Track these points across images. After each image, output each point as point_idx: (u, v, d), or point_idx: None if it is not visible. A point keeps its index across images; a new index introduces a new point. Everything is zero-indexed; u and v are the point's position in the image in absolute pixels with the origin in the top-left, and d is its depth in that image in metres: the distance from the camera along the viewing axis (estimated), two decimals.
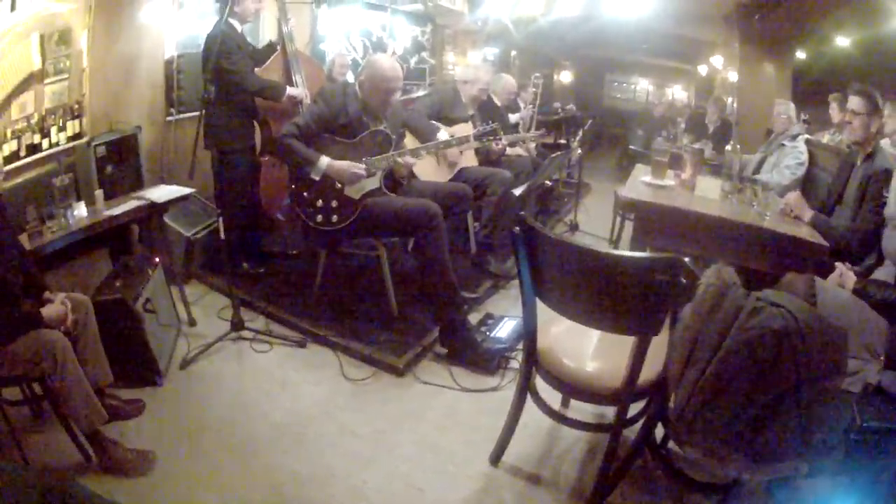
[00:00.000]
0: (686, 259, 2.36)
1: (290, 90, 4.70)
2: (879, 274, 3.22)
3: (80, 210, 3.75)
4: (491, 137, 4.53)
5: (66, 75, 4.17)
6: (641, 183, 4.45)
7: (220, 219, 3.90)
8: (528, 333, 2.79)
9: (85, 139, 4.25)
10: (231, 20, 4.22)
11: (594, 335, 2.84)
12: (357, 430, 3.25)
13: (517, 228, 2.58)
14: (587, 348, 2.84)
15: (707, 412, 2.17)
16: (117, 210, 3.91)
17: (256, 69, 4.78)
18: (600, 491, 2.75)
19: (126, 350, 3.32)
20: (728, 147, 4.57)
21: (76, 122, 4.28)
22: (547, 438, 3.27)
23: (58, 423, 2.81)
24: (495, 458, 3.04)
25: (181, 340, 3.95)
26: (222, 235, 3.91)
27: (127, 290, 3.41)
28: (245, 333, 4.04)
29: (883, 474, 2.56)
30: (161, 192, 4.25)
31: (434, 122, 5.27)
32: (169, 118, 5.20)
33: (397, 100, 4.35)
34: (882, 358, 2.67)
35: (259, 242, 5.21)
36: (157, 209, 4.14)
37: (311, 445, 3.12)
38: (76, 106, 4.28)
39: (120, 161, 4.31)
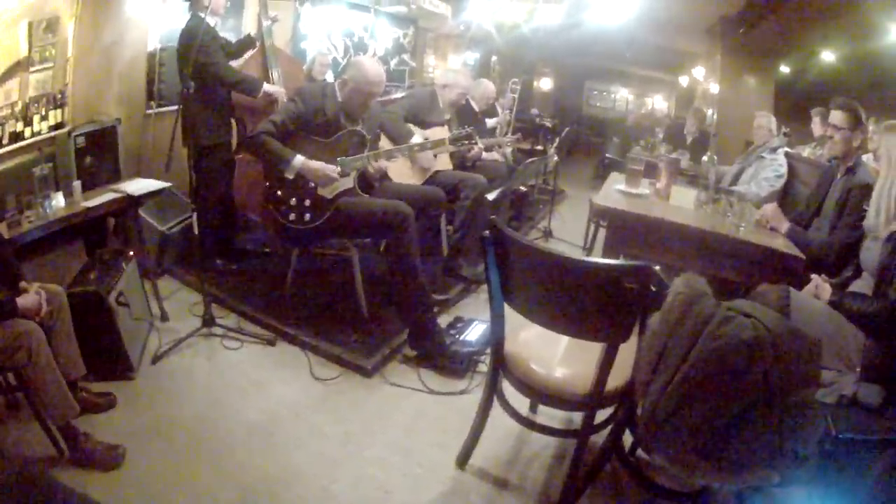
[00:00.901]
0: (657, 267, 2.36)
1: (266, 86, 4.70)
2: (856, 286, 3.21)
3: (59, 200, 3.77)
4: (466, 142, 4.53)
5: (51, 64, 4.17)
6: (615, 191, 4.45)
7: (195, 214, 3.88)
8: (496, 338, 2.80)
9: (66, 129, 4.24)
10: (203, 15, 4.20)
11: (563, 341, 2.87)
12: (326, 431, 3.25)
13: (487, 232, 2.58)
14: (555, 354, 2.84)
15: (675, 420, 2.16)
16: (94, 202, 3.93)
17: (234, 62, 4.81)
18: (567, 497, 2.75)
19: (98, 343, 3.31)
20: (704, 157, 4.56)
21: (58, 111, 4.28)
22: (515, 442, 3.28)
23: (31, 414, 2.80)
24: (462, 461, 3.05)
25: (153, 335, 3.93)
26: (196, 231, 3.89)
27: (101, 283, 3.41)
28: (216, 330, 4.03)
29: (858, 485, 2.57)
30: (137, 186, 4.26)
31: (409, 125, 5.29)
32: (149, 111, 5.21)
33: (376, 102, 4.35)
34: (858, 370, 2.73)
35: (233, 239, 5.21)
36: (133, 202, 4.14)
37: (281, 445, 3.11)
38: (59, 95, 4.28)
39: (99, 153, 4.30)
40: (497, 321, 2.75)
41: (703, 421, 2.11)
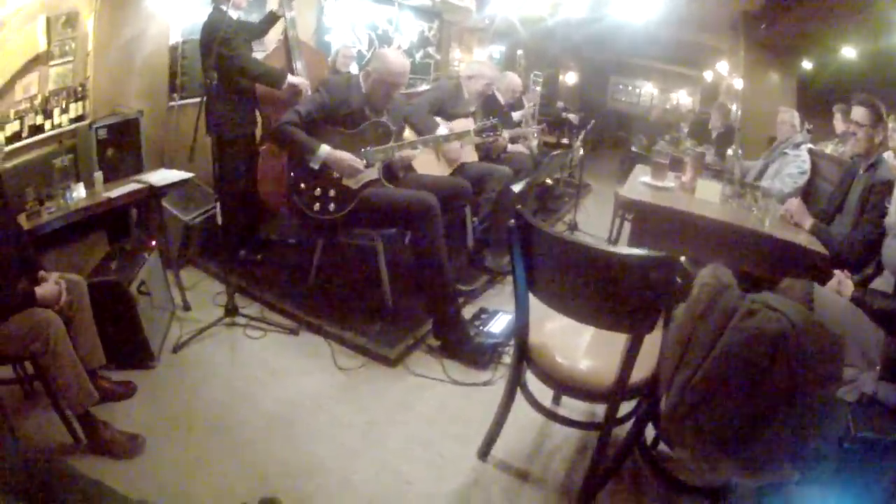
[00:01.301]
0: (682, 259, 2.36)
1: (291, 77, 4.69)
2: (877, 284, 3.16)
3: (79, 191, 3.78)
4: (491, 133, 4.52)
5: (71, 58, 4.17)
6: (641, 183, 4.44)
7: (218, 205, 3.89)
8: (520, 328, 2.80)
9: (87, 121, 4.25)
10: (226, 8, 4.22)
11: (587, 332, 2.86)
12: (347, 421, 3.26)
13: (513, 221, 2.57)
14: (580, 345, 2.84)
15: (698, 414, 2.13)
16: (116, 192, 3.93)
17: (259, 55, 4.87)
18: (588, 490, 2.77)
19: (119, 332, 3.33)
20: (729, 151, 4.53)
21: (79, 104, 4.29)
22: (537, 435, 3.29)
23: (49, 402, 2.81)
24: (484, 453, 3.07)
25: (175, 324, 3.96)
26: (220, 221, 3.90)
27: (122, 273, 3.43)
28: (239, 319, 4.05)
29: (876, 485, 2.54)
30: (160, 176, 4.27)
31: (435, 117, 5.30)
32: (171, 103, 5.21)
33: (400, 94, 4.34)
34: (878, 368, 2.65)
35: (257, 230, 5.23)
36: (155, 193, 4.15)
37: (301, 435, 3.12)
38: (80, 88, 4.29)
39: (121, 144, 4.30)
40: (522, 311, 2.75)
41: (727, 416, 2.08)
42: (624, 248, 2.43)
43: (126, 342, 3.41)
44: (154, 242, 3.96)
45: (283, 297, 4.41)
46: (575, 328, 2.73)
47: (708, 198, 4.30)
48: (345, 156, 3.96)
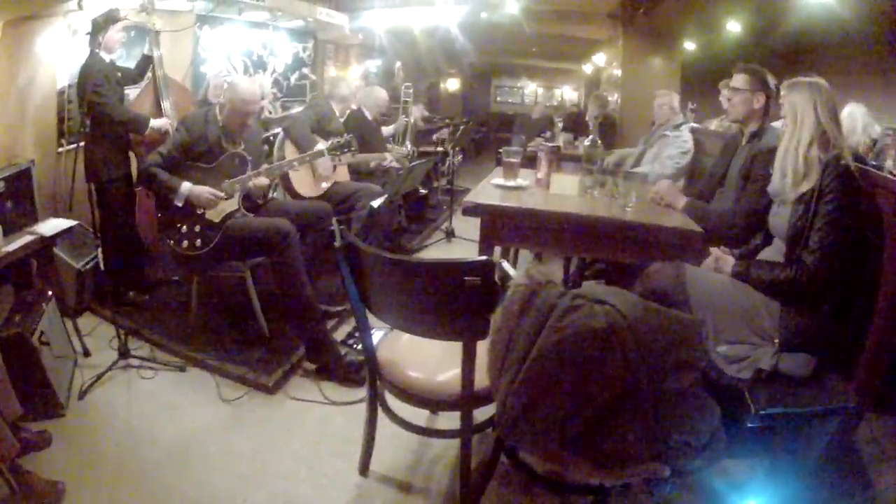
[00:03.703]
0: (502, 262, 2.40)
1: (152, 122, 4.83)
2: (766, 254, 3.09)
3: None
4: (343, 151, 4.62)
5: None
6: (492, 185, 4.29)
7: (99, 250, 3.93)
8: (366, 346, 2.91)
9: None
10: (99, 52, 4.26)
11: (437, 343, 2.79)
12: (237, 450, 3.41)
13: (337, 243, 2.63)
14: (431, 356, 2.92)
15: (529, 416, 2.08)
16: (12, 246, 3.94)
17: (134, 89, 5.05)
18: (466, 498, 2.85)
19: (27, 383, 3.41)
20: (587, 141, 4.48)
21: None
22: (417, 445, 3.46)
23: None
24: (363, 469, 3.19)
25: (78, 371, 4.01)
26: (102, 266, 3.95)
27: (25, 325, 3.50)
28: (133, 361, 4.14)
29: (804, 458, 2.60)
30: (51, 226, 4.31)
31: (314, 135, 5.49)
32: (60, 149, 5.28)
33: (254, 122, 4.53)
34: (776, 341, 2.68)
35: (142, 271, 5.32)
36: (47, 242, 4.17)
37: (196, 467, 3.26)
38: None
39: (17, 196, 4.31)
40: (364, 330, 2.88)
41: (565, 415, 2.07)
42: (438, 258, 2.47)
43: (34, 392, 3.47)
44: (50, 292, 3.98)
45: (170, 336, 4.55)
46: (425, 340, 2.73)
47: (565, 191, 4.22)
48: (203, 189, 4.14)
